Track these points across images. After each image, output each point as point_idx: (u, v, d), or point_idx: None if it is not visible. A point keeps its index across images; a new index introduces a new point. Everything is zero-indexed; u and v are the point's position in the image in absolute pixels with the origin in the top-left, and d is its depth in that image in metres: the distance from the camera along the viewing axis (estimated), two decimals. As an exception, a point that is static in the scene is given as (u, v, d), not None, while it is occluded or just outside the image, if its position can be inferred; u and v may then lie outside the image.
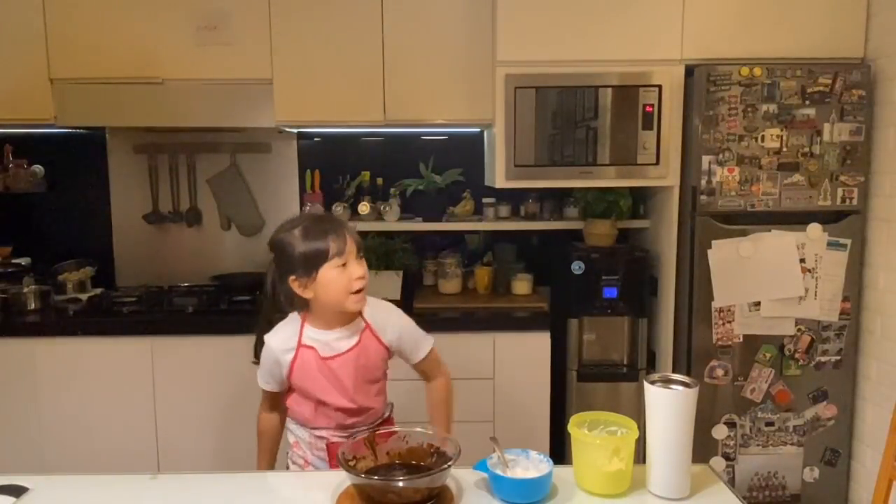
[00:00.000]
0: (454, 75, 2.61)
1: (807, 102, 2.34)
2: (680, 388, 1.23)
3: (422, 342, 1.66)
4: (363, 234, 2.73)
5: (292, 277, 1.50)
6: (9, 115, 2.60)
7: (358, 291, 1.51)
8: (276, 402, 1.68)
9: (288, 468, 1.67)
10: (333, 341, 1.55)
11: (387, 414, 1.70)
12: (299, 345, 1.55)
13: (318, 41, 2.60)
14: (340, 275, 1.48)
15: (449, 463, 1.22)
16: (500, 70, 2.46)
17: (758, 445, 2.47)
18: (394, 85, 2.62)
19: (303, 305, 1.56)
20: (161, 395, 2.50)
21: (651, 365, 2.68)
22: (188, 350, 2.47)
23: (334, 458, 1.60)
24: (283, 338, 1.57)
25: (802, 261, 2.38)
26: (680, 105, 2.46)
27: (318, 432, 1.61)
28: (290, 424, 1.67)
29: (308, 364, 1.55)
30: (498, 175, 2.52)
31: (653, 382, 1.25)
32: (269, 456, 1.72)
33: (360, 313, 1.58)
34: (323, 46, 2.60)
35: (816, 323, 2.42)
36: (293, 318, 1.59)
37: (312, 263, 1.47)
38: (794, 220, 2.38)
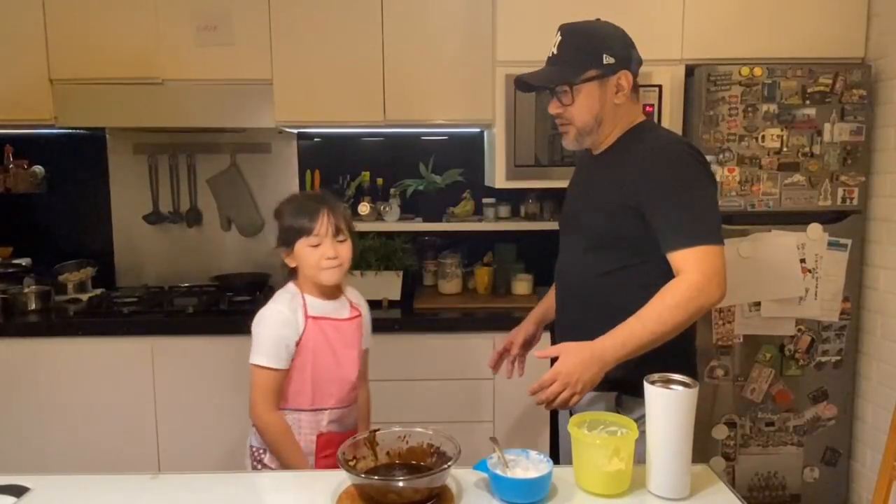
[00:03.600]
0: (454, 75, 2.62)
1: (807, 102, 2.34)
2: (680, 388, 1.23)
3: (370, 337, 1.79)
4: (363, 235, 2.75)
5: (280, 246, 1.63)
6: (9, 116, 2.60)
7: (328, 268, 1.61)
8: (279, 393, 1.62)
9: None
10: (333, 311, 1.65)
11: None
12: (306, 315, 1.61)
13: (318, 41, 2.60)
14: (312, 253, 1.59)
15: (449, 463, 1.22)
16: (500, 70, 2.46)
17: (758, 445, 2.47)
18: (394, 85, 2.62)
19: (292, 273, 1.67)
20: (161, 395, 2.49)
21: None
22: (188, 350, 2.47)
23: (321, 453, 1.62)
24: (289, 306, 1.61)
25: (802, 261, 2.38)
26: (680, 105, 2.46)
27: (317, 416, 1.64)
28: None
29: (321, 331, 1.61)
30: (498, 175, 2.52)
31: (653, 382, 1.25)
32: (301, 452, 1.64)
33: (343, 293, 1.71)
34: (323, 46, 2.60)
35: (816, 323, 2.42)
36: (290, 290, 1.65)
37: (291, 238, 1.60)
38: (795, 220, 2.38)
